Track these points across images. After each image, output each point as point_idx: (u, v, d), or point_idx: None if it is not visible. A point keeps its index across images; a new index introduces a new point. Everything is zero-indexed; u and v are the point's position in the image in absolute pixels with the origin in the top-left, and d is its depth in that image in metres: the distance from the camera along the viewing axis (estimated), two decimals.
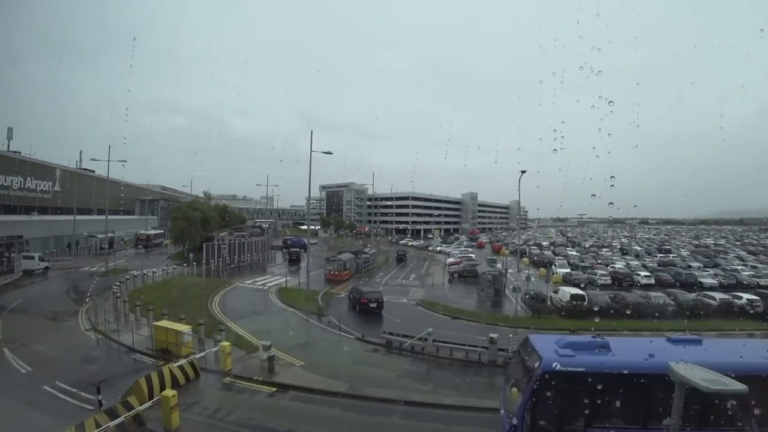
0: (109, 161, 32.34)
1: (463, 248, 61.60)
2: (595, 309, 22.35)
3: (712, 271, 38.19)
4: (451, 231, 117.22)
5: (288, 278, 30.61)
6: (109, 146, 32.56)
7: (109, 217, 38.98)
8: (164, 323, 16.46)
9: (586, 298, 24.19)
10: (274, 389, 13.14)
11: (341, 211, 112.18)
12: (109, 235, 38.81)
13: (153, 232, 55.79)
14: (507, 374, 10.62)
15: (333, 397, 12.69)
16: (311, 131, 26.54)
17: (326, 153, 28.75)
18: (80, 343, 16.95)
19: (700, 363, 6.15)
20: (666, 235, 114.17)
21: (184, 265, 36.36)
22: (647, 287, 32.05)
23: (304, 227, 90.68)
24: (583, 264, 42.70)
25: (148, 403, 10.74)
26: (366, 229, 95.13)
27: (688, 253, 57.96)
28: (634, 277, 35.33)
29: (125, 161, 35.37)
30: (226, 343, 14.82)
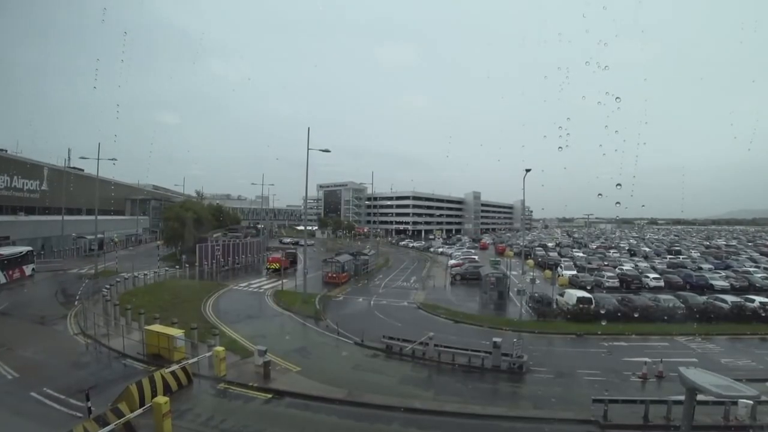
0: (98, 159, 31.59)
1: (465, 249, 60.86)
2: (603, 312, 22.08)
3: (723, 273, 37.71)
4: (453, 232, 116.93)
5: (284, 281, 30.13)
6: (99, 144, 31.78)
7: (99, 217, 38.13)
8: (156, 327, 16.13)
9: (593, 301, 23.88)
10: (269, 396, 12.88)
11: (339, 211, 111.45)
12: (99, 236, 37.94)
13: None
14: None
15: (331, 403, 12.48)
16: (308, 129, 26.18)
17: (324, 151, 28.19)
18: (69, 348, 16.48)
19: None
20: (676, 235, 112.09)
21: (177, 267, 35.83)
22: (656, 290, 31.75)
23: (301, 228, 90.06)
24: (589, 266, 41.83)
25: (140, 410, 10.45)
26: (365, 230, 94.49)
27: (699, 254, 57.25)
28: (643, 279, 34.77)
29: (115, 159, 34.40)
30: (220, 348, 14.53)
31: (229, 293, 28.27)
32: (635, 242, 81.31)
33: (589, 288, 30.92)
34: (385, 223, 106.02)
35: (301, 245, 44.13)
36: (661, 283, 33.75)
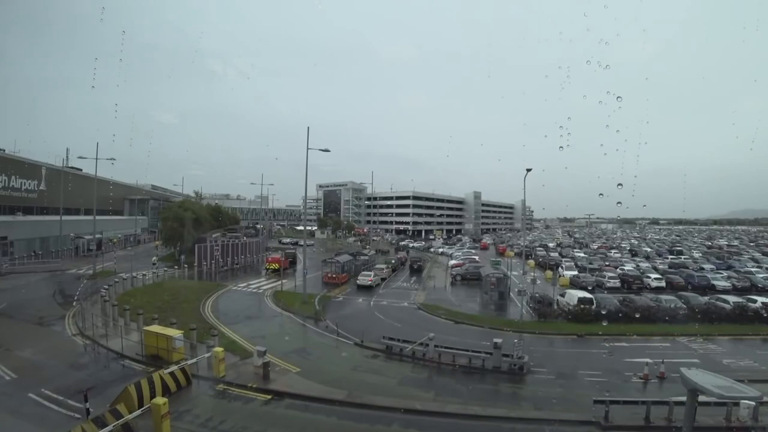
0: (97, 159, 31.51)
1: (466, 249, 60.77)
2: (604, 313, 22.01)
3: (725, 274, 37.53)
4: (454, 232, 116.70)
5: (284, 281, 30.07)
6: (97, 144, 31.76)
7: (97, 217, 38.01)
8: (155, 328, 16.04)
9: (594, 301, 23.79)
10: (269, 397, 12.81)
11: (339, 211, 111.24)
12: (97, 236, 37.82)
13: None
14: None
15: (330, 405, 12.40)
16: (308, 128, 26.11)
17: (323, 150, 28.07)
18: (67, 349, 16.40)
19: None
20: (677, 235, 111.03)
21: (175, 267, 35.72)
22: (658, 290, 31.58)
23: (300, 228, 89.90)
24: (591, 266, 41.54)
25: (138, 411, 10.40)
26: (365, 230, 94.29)
27: (701, 254, 57.02)
28: (645, 279, 34.62)
29: (114, 159, 34.36)
30: (219, 349, 14.45)
31: (228, 294, 28.16)
32: (636, 242, 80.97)
33: (590, 288, 30.76)
34: (385, 223, 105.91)
35: (301, 245, 44.08)
36: (663, 284, 33.54)
